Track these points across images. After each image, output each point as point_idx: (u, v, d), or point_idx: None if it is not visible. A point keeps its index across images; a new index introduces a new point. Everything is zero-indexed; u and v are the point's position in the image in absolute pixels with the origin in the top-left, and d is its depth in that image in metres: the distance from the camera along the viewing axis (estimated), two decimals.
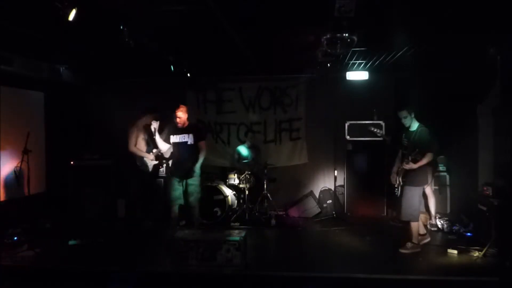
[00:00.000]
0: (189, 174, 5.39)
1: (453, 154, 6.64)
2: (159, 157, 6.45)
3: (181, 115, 5.45)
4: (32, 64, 6.37)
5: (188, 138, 5.47)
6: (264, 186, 7.13)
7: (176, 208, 5.50)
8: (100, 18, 4.38)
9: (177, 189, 5.46)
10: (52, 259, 5.03)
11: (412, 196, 5.10)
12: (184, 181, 5.45)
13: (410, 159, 5.03)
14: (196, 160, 5.41)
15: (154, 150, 6.30)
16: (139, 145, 6.28)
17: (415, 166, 5.01)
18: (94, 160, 7.22)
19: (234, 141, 8.01)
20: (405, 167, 5.12)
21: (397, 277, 4.41)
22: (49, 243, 5.61)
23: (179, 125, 5.50)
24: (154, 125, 5.80)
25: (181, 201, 5.49)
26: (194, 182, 5.45)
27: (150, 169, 6.34)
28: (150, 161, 6.31)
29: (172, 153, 5.75)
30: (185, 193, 5.47)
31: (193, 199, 5.46)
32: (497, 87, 5.54)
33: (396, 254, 5.10)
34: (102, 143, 7.68)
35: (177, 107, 5.49)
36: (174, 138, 5.53)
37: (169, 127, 5.64)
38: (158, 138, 5.72)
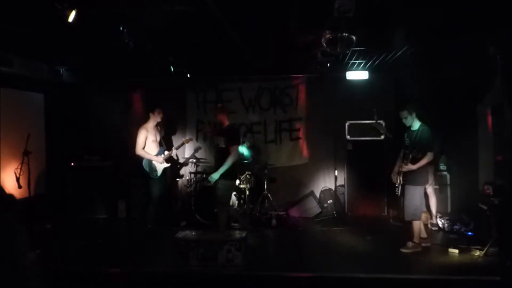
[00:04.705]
0: None
1: (454, 154, 6.63)
2: (170, 159, 6.14)
3: None
4: (32, 65, 6.36)
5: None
6: (265, 186, 7.12)
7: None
8: (99, 19, 4.38)
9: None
10: (52, 259, 5.02)
11: (412, 195, 5.10)
12: None
13: (410, 157, 5.04)
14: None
15: (166, 153, 6.00)
16: (149, 148, 5.86)
17: (414, 167, 5.02)
18: (94, 161, 7.21)
19: None
20: (402, 170, 5.13)
21: (398, 276, 4.40)
22: (49, 243, 5.61)
23: None
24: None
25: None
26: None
27: (159, 173, 5.90)
28: (160, 164, 5.91)
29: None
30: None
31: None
32: (497, 87, 5.53)
33: (397, 254, 5.09)
34: (102, 144, 7.67)
35: None
36: None
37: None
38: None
